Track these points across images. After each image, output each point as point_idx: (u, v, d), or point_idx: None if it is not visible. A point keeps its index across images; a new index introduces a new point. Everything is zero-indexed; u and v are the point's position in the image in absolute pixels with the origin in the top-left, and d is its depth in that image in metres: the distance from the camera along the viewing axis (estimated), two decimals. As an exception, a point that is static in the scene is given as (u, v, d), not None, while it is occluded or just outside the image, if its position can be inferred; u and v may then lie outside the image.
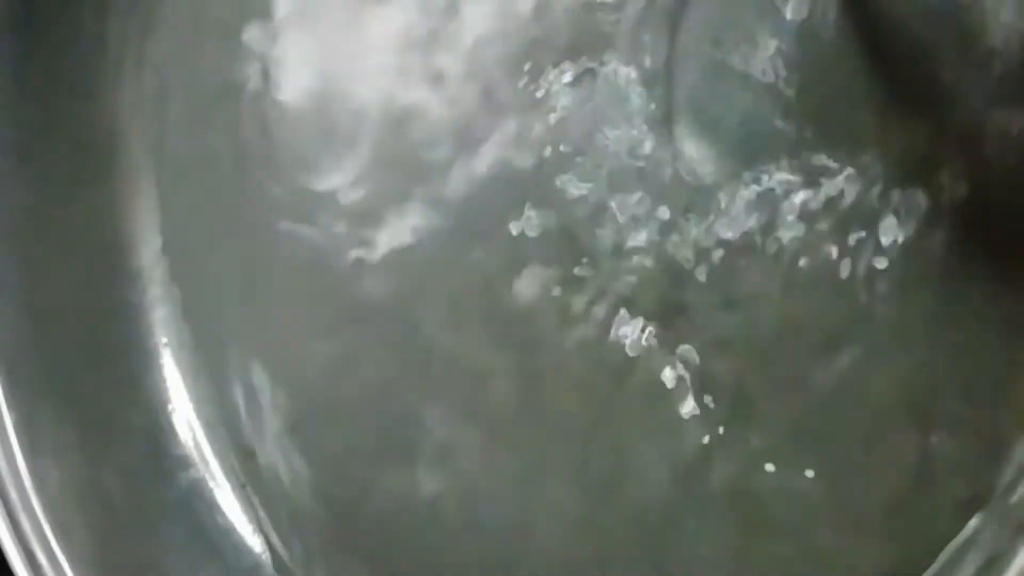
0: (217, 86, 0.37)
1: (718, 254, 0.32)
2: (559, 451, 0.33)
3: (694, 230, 0.32)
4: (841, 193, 0.30)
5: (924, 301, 0.30)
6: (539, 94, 0.34)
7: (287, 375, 0.36)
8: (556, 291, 0.33)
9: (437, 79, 0.35)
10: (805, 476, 0.30)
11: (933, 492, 0.28)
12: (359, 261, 0.35)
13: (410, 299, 0.35)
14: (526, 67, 0.34)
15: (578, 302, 0.33)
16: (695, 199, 0.32)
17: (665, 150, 0.32)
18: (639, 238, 0.32)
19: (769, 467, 0.30)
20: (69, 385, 0.36)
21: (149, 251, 0.38)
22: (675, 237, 0.32)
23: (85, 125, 0.37)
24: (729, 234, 0.32)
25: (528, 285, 0.34)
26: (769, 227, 0.31)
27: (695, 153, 0.32)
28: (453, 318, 0.34)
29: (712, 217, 0.32)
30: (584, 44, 0.33)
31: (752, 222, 0.31)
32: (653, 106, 0.32)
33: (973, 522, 0.27)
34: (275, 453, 0.36)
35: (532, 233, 0.34)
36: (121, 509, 0.36)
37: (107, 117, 0.37)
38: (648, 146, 0.32)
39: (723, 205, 0.32)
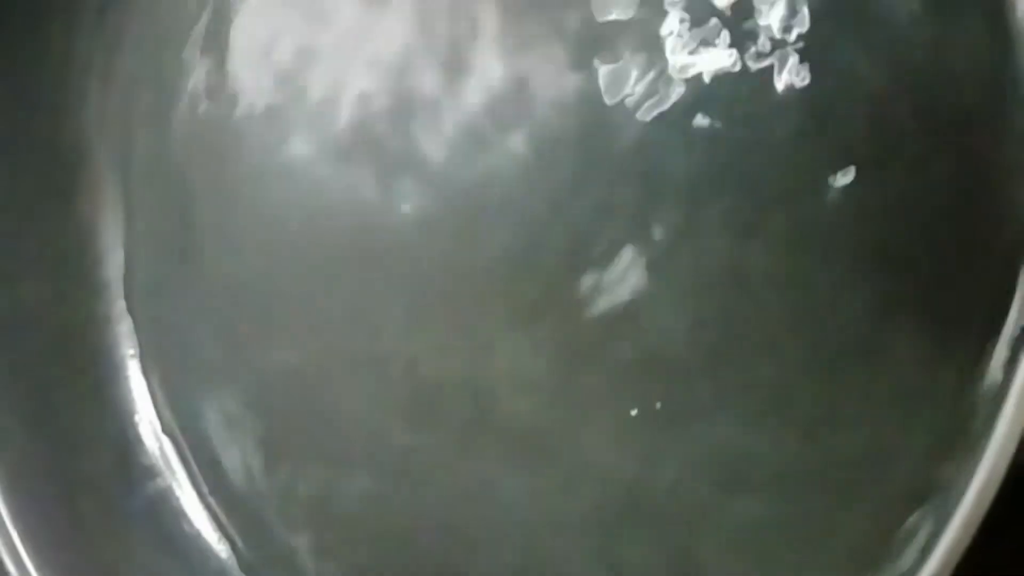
0: (182, 102, 0.38)
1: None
2: (513, 455, 0.33)
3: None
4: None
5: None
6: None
7: (251, 385, 0.37)
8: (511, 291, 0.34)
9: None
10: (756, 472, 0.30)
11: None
12: (319, 270, 0.36)
13: (370, 307, 0.35)
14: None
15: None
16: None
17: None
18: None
19: (719, 466, 0.31)
20: (37, 396, 0.37)
21: (115, 264, 0.38)
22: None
23: (51, 140, 0.38)
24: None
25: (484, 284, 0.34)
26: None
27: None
28: (412, 324, 0.35)
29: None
30: None
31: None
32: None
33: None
34: (240, 461, 0.37)
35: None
36: (89, 517, 0.36)
37: (73, 133, 0.38)
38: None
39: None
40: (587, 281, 0.33)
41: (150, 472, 0.37)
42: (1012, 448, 0.22)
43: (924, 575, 0.23)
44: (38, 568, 0.35)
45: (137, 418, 0.38)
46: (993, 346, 0.26)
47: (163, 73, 0.38)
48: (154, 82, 0.38)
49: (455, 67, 0.34)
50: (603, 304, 0.32)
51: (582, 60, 0.32)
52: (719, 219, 0.31)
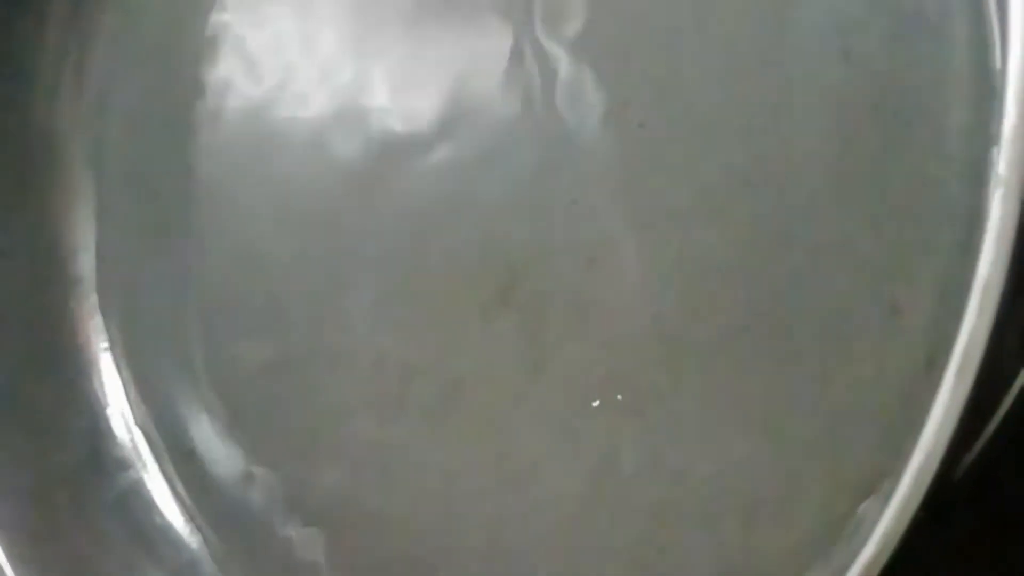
0: (155, 98, 0.38)
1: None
2: (479, 445, 0.34)
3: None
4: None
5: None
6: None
7: (222, 377, 0.37)
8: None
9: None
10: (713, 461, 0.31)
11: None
12: (288, 264, 0.36)
13: (339, 300, 0.36)
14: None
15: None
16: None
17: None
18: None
19: (678, 455, 0.31)
20: (10, 389, 0.37)
21: (87, 259, 0.38)
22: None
23: (23, 137, 0.38)
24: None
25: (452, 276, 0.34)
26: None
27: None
28: (380, 317, 0.35)
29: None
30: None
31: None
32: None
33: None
34: (211, 454, 0.37)
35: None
36: (61, 509, 0.37)
37: (45, 127, 0.38)
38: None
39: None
40: (551, 273, 0.33)
41: (122, 464, 0.38)
42: (946, 436, 0.23)
43: (862, 560, 0.23)
44: (11, 560, 0.35)
45: (109, 411, 0.38)
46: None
47: (136, 69, 0.39)
48: (126, 79, 0.39)
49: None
50: (566, 299, 0.33)
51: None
52: (679, 210, 0.31)
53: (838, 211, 0.29)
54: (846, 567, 0.25)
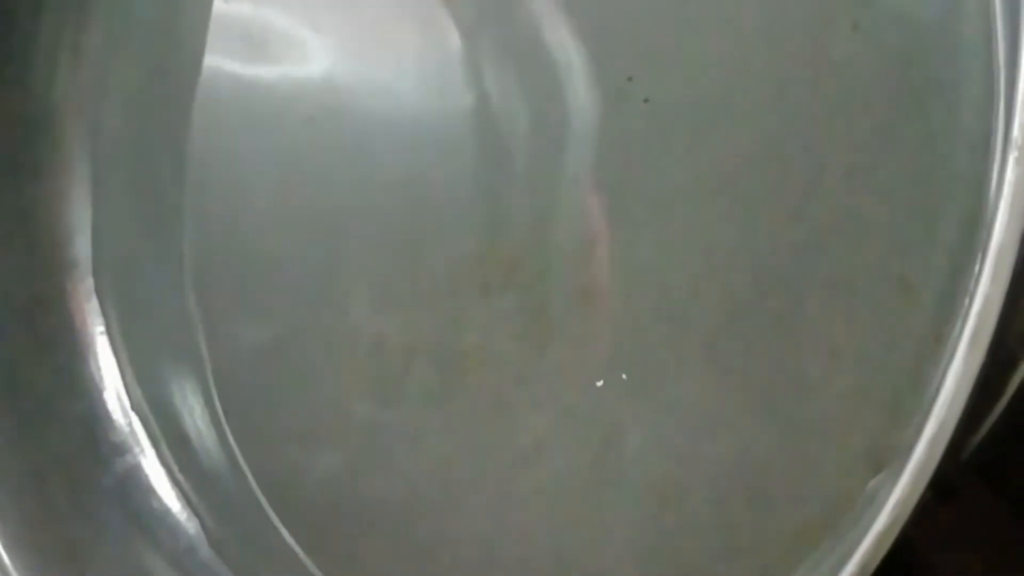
0: (152, 79, 0.38)
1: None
2: (481, 427, 0.33)
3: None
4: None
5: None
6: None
7: (220, 362, 0.37)
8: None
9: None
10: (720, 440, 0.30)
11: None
12: (286, 246, 0.36)
13: (337, 284, 0.35)
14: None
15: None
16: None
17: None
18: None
19: (685, 435, 0.31)
20: (7, 372, 0.37)
21: (84, 241, 0.38)
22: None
23: (19, 118, 0.38)
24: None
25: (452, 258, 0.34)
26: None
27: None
28: (379, 300, 0.35)
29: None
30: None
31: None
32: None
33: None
34: (209, 438, 0.37)
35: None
36: (58, 494, 0.36)
37: (41, 110, 0.38)
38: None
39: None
40: (554, 255, 0.33)
41: (119, 449, 0.37)
42: (956, 412, 0.22)
43: (871, 537, 0.23)
44: (6, 545, 0.35)
45: (106, 395, 0.38)
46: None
47: (132, 49, 0.38)
48: (123, 58, 0.38)
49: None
50: (569, 278, 0.32)
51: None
52: (683, 186, 0.31)
53: (846, 186, 0.29)
54: (855, 545, 0.24)
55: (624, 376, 0.31)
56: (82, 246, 0.38)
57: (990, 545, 0.31)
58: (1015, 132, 0.22)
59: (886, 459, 0.27)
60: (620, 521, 0.31)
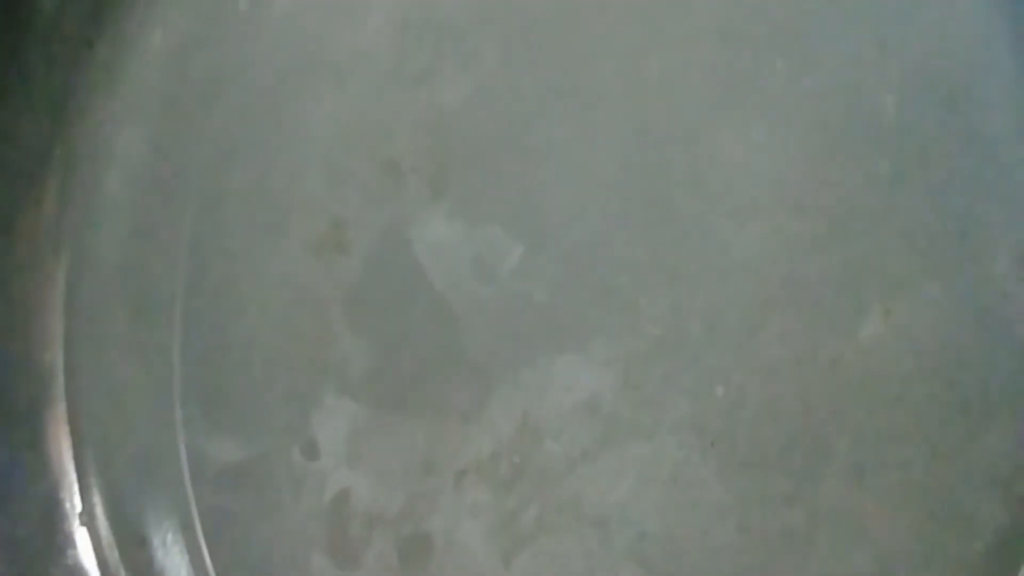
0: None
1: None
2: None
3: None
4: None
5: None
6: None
7: (183, 471, 0.35)
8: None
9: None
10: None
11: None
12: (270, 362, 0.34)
13: (312, 414, 0.34)
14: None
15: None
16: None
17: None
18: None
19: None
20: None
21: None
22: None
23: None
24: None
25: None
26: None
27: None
28: (349, 452, 0.33)
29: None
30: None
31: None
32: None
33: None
34: (165, 548, 0.35)
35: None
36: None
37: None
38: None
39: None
40: (536, 463, 0.31)
41: (72, 542, 0.36)
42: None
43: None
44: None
45: (65, 482, 0.36)
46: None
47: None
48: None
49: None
50: (548, 492, 0.31)
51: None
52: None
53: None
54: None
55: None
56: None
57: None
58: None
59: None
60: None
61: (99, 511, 0.36)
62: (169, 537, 0.35)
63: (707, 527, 0.29)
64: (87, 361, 0.37)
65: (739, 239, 0.29)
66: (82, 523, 0.36)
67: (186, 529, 0.35)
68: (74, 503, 0.37)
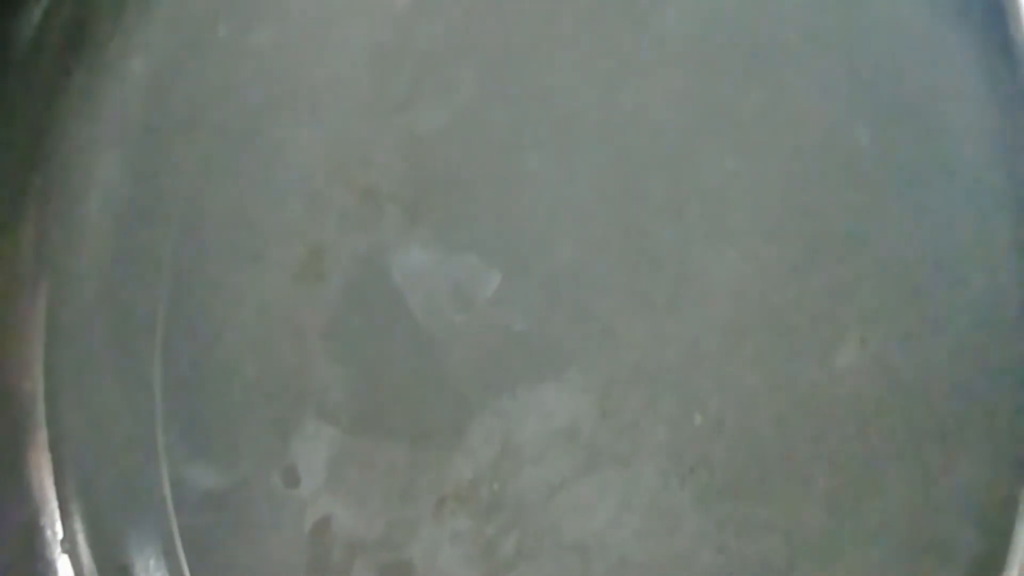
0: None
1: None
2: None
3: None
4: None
5: None
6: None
7: (164, 497, 0.35)
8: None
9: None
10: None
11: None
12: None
13: (292, 439, 0.34)
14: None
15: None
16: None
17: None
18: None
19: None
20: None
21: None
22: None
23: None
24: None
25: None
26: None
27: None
28: (330, 477, 0.33)
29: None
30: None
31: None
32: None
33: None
34: (150, 574, 0.35)
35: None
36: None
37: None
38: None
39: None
40: (515, 493, 0.31)
41: (53, 570, 0.36)
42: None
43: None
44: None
45: (47, 509, 0.36)
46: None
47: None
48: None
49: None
50: (525, 521, 0.31)
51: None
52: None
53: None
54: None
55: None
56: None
57: None
58: None
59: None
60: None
61: (80, 538, 0.37)
62: (151, 563, 0.36)
63: (686, 554, 0.29)
64: (68, 388, 0.37)
65: (716, 266, 0.30)
66: (64, 550, 0.37)
67: (168, 555, 0.35)
68: (55, 530, 0.37)
